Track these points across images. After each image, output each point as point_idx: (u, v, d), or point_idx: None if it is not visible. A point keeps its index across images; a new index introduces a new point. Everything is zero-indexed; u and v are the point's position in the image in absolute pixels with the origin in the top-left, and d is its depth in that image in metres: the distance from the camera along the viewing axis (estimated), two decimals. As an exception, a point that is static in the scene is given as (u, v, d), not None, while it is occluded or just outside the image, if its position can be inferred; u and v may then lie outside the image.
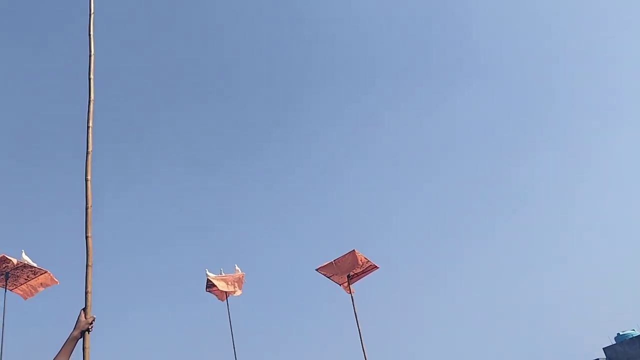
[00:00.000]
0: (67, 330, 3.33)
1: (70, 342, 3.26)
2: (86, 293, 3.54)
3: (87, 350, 3.33)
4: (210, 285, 15.59)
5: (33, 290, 13.13)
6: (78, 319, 3.38)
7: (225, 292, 15.36)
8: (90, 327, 3.39)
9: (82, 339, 3.36)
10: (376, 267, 14.57)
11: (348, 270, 14.28)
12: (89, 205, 3.79)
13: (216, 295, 15.79)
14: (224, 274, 15.60)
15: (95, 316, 3.44)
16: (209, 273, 15.36)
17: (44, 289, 13.20)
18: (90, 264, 3.61)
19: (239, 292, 15.54)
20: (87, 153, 3.99)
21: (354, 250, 14.11)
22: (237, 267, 15.84)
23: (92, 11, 4.65)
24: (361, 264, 14.31)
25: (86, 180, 3.89)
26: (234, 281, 15.43)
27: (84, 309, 3.46)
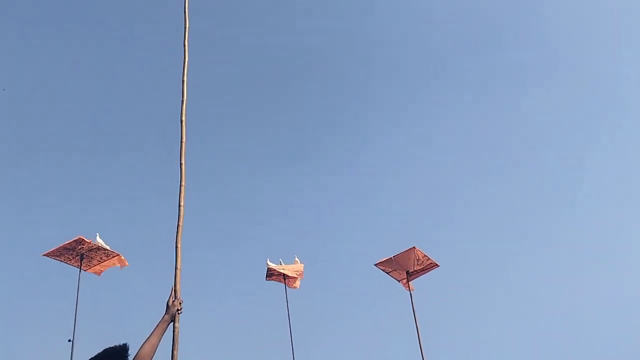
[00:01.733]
0: (137, 311, 3.58)
1: (163, 324, 3.48)
2: (175, 291, 3.91)
3: (177, 330, 3.72)
4: (270, 274, 15.93)
5: (105, 268, 13.93)
6: (167, 303, 3.64)
7: (289, 277, 15.64)
8: (179, 310, 3.70)
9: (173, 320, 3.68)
10: (436, 265, 14.44)
11: (407, 266, 14.24)
12: (180, 224, 4.18)
13: (281, 282, 15.95)
14: (283, 265, 15.90)
15: (182, 300, 3.76)
16: (269, 263, 15.70)
17: (115, 266, 13.95)
18: (179, 267, 4.02)
19: (297, 285, 15.82)
20: (180, 186, 4.34)
21: (414, 247, 14.03)
22: (296, 258, 16.11)
23: (186, 59, 5.04)
24: (421, 261, 14.24)
25: (179, 206, 4.26)
26: (294, 271, 15.71)
27: (174, 291, 3.83)
